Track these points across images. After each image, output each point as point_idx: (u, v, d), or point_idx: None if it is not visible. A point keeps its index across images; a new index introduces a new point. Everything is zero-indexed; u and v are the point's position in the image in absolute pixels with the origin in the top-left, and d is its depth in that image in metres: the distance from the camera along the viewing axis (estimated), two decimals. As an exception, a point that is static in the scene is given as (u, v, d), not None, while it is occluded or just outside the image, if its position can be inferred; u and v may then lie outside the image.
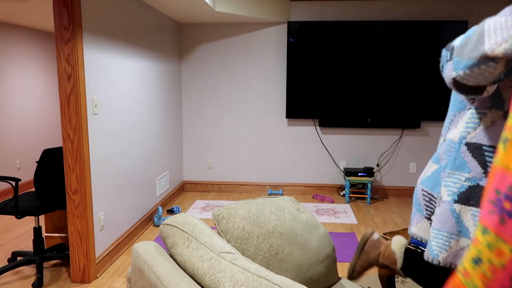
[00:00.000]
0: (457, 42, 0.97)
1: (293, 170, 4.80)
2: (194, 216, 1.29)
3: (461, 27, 4.21)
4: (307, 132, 4.72)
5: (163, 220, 3.76)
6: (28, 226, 3.71)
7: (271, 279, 0.98)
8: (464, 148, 1.04)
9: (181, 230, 1.21)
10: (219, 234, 1.49)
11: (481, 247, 0.77)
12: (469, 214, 1.03)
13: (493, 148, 0.99)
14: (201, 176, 4.93)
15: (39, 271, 2.61)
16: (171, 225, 1.24)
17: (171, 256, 1.21)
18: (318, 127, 4.69)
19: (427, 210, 1.24)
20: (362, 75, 4.40)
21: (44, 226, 3.16)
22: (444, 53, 1.01)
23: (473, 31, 0.93)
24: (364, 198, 4.57)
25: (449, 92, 4.33)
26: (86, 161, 2.55)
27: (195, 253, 1.11)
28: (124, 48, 3.13)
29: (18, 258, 2.95)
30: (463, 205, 1.04)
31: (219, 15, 4.11)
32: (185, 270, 1.11)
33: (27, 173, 4.97)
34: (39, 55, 5.17)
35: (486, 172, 1.00)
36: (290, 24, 4.38)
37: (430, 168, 1.25)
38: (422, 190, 1.25)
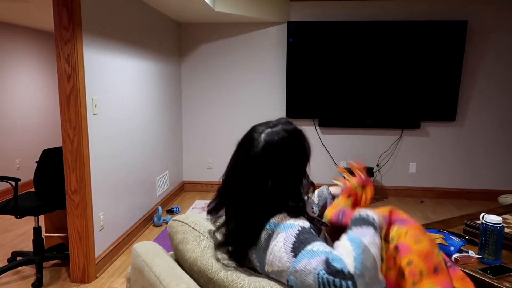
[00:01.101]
0: (352, 268, 0.85)
1: (293, 170, 4.79)
2: (205, 219, 1.29)
3: (461, 27, 4.21)
4: (307, 132, 4.70)
5: (163, 220, 3.76)
6: (28, 226, 3.71)
7: None
8: None
9: (193, 228, 1.20)
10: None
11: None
12: None
13: None
14: (201, 176, 4.93)
15: (39, 271, 2.61)
16: (183, 222, 1.24)
17: (178, 252, 1.20)
18: (317, 127, 4.69)
19: None
20: (362, 75, 4.40)
21: (44, 226, 3.16)
22: (338, 283, 0.84)
23: (363, 256, 0.88)
24: (364, 198, 4.56)
25: (448, 92, 4.34)
26: (86, 161, 2.55)
27: (207, 251, 1.11)
28: (124, 48, 3.13)
29: (18, 258, 2.95)
30: None
31: (219, 15, 4.11)
32: (194, 266, 1.11)
33: (27, 173, 4.97)
34: (39, 55, 5.17)
35: None
36: (290, 24, 4.38)
37: None
38: None
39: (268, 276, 1.00)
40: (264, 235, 0.98)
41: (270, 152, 1.04)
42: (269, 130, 1.08)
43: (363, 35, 4.33)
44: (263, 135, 1.06)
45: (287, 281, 0.93)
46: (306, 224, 1.00)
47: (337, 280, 0.83)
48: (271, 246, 0.95)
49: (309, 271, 0.87)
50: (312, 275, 0.86)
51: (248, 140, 1.08)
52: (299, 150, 1.08)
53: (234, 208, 1.06)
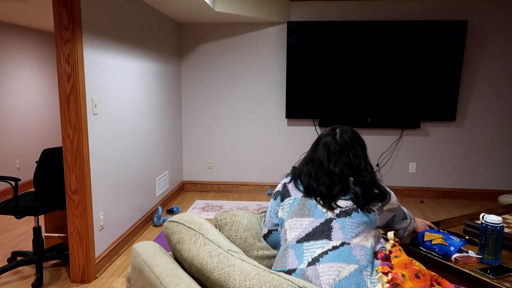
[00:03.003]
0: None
1: (293, 170, 4.79)
2: (199, 216, 1.29)
3: (461, 27, 4.21)
4: (307, 132, 4.72)
5: (163, 220, 3.76)
6: (27, 226, 3.71)
7: (282, 276, 0.99)
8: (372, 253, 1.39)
9: (188, 227, 1.21)
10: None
11: None
12: None
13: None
14: (201, 176, 4.93)
15: (39, 271, 2.61)
16: (177, 222, 1.25)
17: (176, 252, 1.21)
18: (317, 127, 4.69)
19: None
20: (362, 75, 4.40)
21: (44, 226, 3.16)
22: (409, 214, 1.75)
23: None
24: (364, 198, 4.57)
25: (448, 92, 4.34)
26: (86, 161, 2.55)
27: (203, 249, 1.12)
28: (124, 48, 3.13)
29: (18, 258, 2.95)
30: None
31: (219, 15, 4.11)
32: (191, 265, 1.11)
33: (27, 173, 4.97)
34: (39, 55, 5.17)
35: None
36: (289, 24, 4.38)
37: (346, 268, 1.25)
38: None
39: (379, 213, 1.46)
40: (390, 193, 1.53)
41: (357, 136, 1.59)
42: (340, 127, 1.60)
43: (363, 35, 4.33)
44: (338, 129, 1.58)
45: (394, 214, 1.56)
46: None
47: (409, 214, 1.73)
48: (392, 197, 1.53)
49: (404, 209, 1.68)
50: (403, 209, 1.67)
51: (333, 131, 1.58)
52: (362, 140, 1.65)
53: (360, 177, 1.48)
